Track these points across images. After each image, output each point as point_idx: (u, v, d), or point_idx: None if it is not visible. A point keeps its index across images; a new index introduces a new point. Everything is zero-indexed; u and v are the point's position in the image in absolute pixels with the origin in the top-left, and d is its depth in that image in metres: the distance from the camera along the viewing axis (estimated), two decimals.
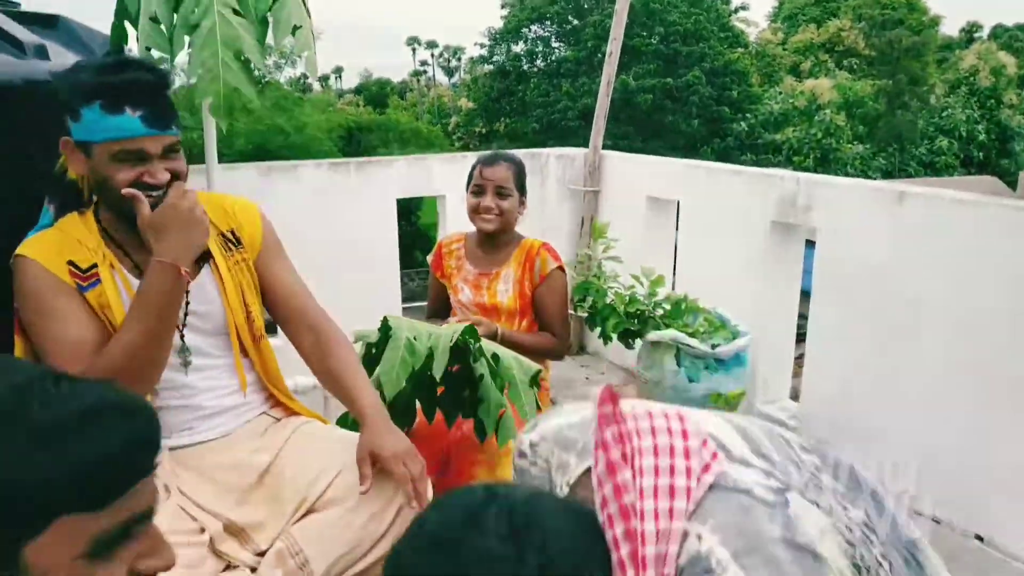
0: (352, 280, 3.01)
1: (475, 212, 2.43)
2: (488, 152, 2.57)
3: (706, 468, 0.86)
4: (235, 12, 1.93)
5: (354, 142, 22.74)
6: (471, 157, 3.33)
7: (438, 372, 1.91)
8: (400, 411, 2.05)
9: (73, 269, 1.45)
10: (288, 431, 1.69)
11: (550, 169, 3.47)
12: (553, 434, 1.11)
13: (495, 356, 2.02)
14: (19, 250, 1.48)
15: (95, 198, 1.54)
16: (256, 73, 2.04)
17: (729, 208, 2.77)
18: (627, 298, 2.51)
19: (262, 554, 1.56)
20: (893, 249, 2.22)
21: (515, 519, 0.73)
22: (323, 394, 2.57)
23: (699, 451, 0.87)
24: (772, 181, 2.58)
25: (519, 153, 3.39)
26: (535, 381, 2.05)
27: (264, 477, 1.60)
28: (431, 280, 2.66)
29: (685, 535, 0.82)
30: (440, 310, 2.63)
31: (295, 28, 1.98)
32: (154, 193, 1.41)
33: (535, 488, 0.81)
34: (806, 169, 28.90)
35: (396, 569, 0.76)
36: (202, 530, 1.50)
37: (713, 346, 2.34)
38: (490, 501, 0.75)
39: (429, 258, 2.66)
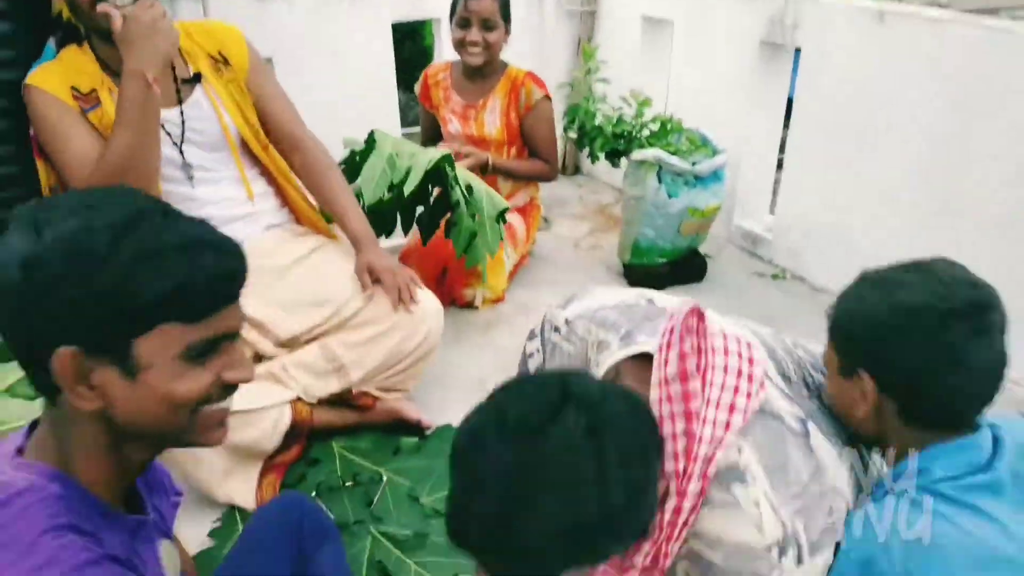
0: (350, 105, 3.09)
1: (461, 45, 2.49)
2: None
3: (758, 393, 1.00)
4: None
5: None
6: None
7: (408, 188, 2.09)
8: (379, 221, 2.24)
9: (76, 92, 1.59)
10: (311, 245, 1.90)
11: None
12: (591, 314, 1.24)
13: (469, 187, 2.18)
14: (27, 80, 1.61)
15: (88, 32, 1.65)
16: None
17: (721, 28, 2.78)
18: (614, 119, 2.62)
19: (281, 344, 1.81)
20: (869, 68, 2.29)
21: (592, 415, 0.80)
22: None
23: (759, 378, 1.01)
24: (757, 2, 2.59)
25: None
26: (501, 217, 2.22)
27: (283, 278, 1.82)
28: (420, 110, 2.75)
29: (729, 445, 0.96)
30: (434, 138, 2.75)
31: None
32: (120, 2, 1.52)
33: (602, 383, 0.88)
34: None
35: (475, 450, 0.82)
36: None
37: (692, 163, 2.46)
38: (568, 397, 0.81)
39: (416, 88, 2.74)
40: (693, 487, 0.96)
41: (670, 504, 0.97)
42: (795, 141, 2.62)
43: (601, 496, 0.79)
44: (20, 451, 0.80)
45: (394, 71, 3.31)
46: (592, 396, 0.82)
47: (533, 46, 3.41)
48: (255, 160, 1.86)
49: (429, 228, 2.33)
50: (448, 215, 2.24)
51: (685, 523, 0.97)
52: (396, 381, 1.89)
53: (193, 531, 1.62)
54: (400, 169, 2.11)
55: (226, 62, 1.79)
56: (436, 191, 2.26)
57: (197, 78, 1.74)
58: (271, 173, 1.88)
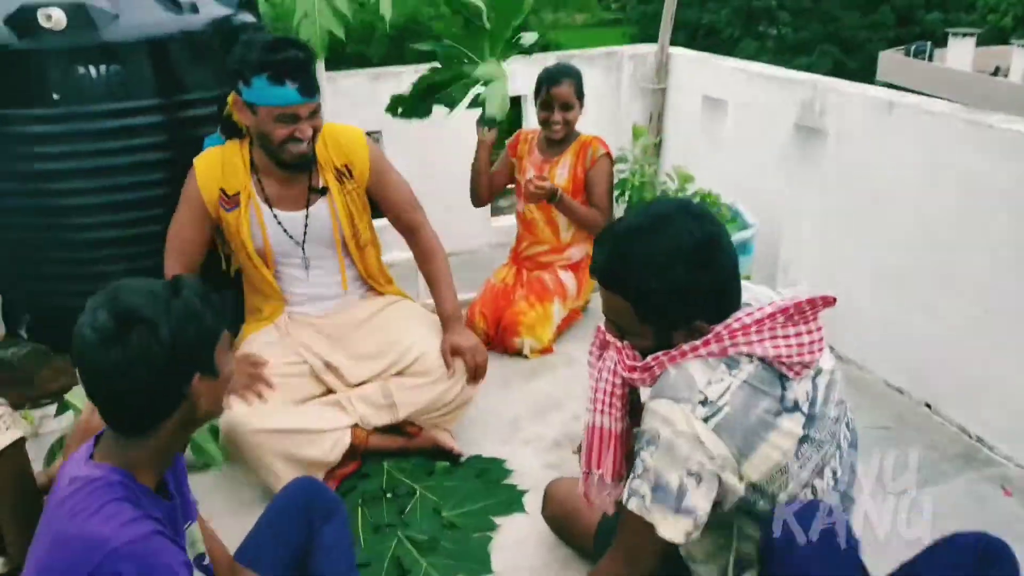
0: (451, 175, 3.59)
1: (545, 124, 2.94)
2: (551, 68, 2.99)
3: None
4: None
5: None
6: (550, 57, 3.75)
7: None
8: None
9: (223, 195, 2.09)
10: (381, 304, 2.36)
11: (624, 68, 3.80)
12: None
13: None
14: (196, 158, 2.11)
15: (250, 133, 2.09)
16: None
17: (763, 110, 3.05)
18: (656, 193, 2.94)
19: (348, 385, 2.27)
20: (879, 153, 2.50)
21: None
22: (415, 270, 3.26)
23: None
24: (794, 86, 2.85)
25: (595, 53, 3.77)
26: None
27: (357, 333, 2.29)
28: (502, 156, 3.18)
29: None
30: (492, 183, 3.14)
31: None
32: (301, 146, 1.97)
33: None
34: (1003, 28, 25.39)
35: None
36: (304, 361, 2.23)
37: None
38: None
39: (508, 141, 3.19)
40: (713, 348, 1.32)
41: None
42: (826, 217, 2.82)
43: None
44: (91, 456, 1.19)
45: None
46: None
47: (609, 118, 3.80)
48: (349, 258, 2.29)
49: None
50: None
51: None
52: (438, 421, 2.30)
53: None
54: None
55: (350, 174, 2.19)
56: None
57: (323, 191, 2.17)
58: (357, 267, 2.31)
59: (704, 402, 1.29)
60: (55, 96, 2.13)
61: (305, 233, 2.18)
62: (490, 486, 2.23)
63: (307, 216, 2.15)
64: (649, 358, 1.38)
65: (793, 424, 1.31)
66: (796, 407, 1.32)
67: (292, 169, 2.06)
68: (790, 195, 2.95)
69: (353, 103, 3.46)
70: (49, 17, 2.00)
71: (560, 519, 1.95)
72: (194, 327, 1.14)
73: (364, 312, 2.31)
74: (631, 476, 1.35)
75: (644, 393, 1.44)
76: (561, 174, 2.98)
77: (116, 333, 1.09)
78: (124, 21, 2.15)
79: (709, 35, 23.26)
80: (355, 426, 2.22)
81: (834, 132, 2.69)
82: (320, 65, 2.67)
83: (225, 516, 2.13)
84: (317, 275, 2.25)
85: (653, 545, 1.32)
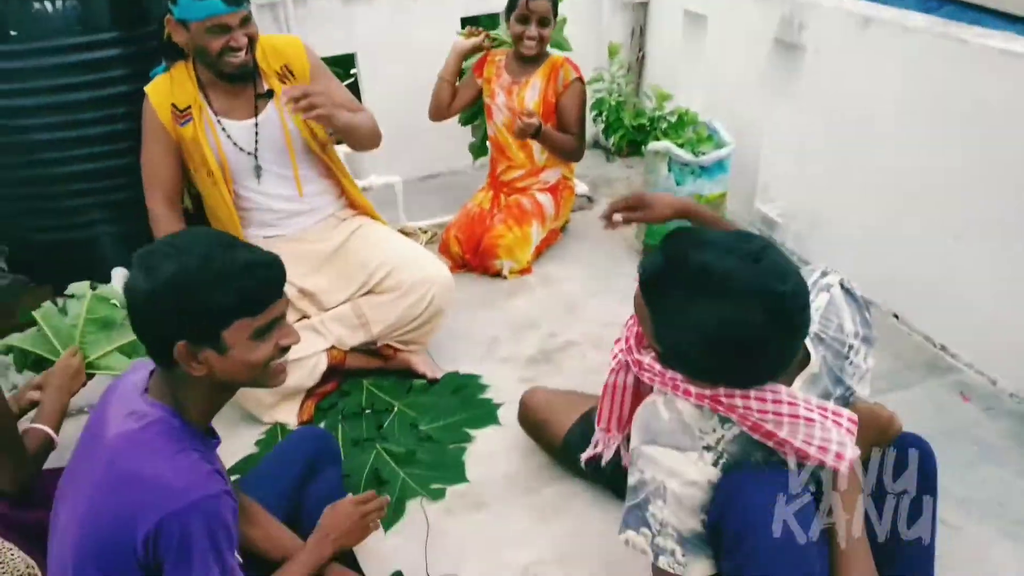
0: (425, 93, 3.55)
1: (519, 38, 2.89)
2: None
3: None
4: None
5: None
6: None
7: None
8: None
9: (174, 109, 2.11)
10: (352, 227, 2.38)
11: None
12: None
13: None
14: (147, 87, 2.12)
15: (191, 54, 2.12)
16: None
17: (743, 25, 3.00)
18: (634, 113, 2.92)
19: (324, 309, 2.33)
20: (857, 69, 2.47)
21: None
22: (395, 191, 3.27)
23: None
24: (773, 1, 2.79)
25: None
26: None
27: (330, 259, 2.32)
28: (467, 78, 3.13)
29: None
30: (460, 93, 3.10)
31: None
32: (239, 55, 1.99)
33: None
34: None
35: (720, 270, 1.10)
36: None
37: (698, 154, 2.75)
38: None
39: (472, 61, 3.13)
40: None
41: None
42: (803, 134, 2.82)
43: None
44: (146, 390, 1.24)
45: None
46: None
47: (591, 35, 3.72)
48: (316, 159, 2.30)
49: None
50: None
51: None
52: (412, 336, 2.35)
53: (242, 441, 2.19)
54: None
55: (291, 74, 2.21)
56: None
57: (270, 94, 2.19)
58: (329, 168, 2.34)
59: (708, 448, 1.26)
60: (12, 32, 2.09)
61: (257, 140, 2.19)
62: (466, 401, 2.31)
63: (256, 124, 2.17)
64: (655, 369, 1.33)
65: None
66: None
67: (235, 80, 2.09)
68: (769, 112, 2.94)
69: (323, 24, 3.39)
70: None
71: (533, 425, 2.04)
72: (181, 297, 1.15)
73: (336, 239, 2.34)
74: (650, 535, 1.29)
75: None
76: (531, 96, 2.95)
77: (132, 271, 1.17)
78: None
79: None
80: (331, 348, 2.29)
81: (812, 48, 2.66)
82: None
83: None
84: (270, 185, 2.25)
85: None
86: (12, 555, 1.48)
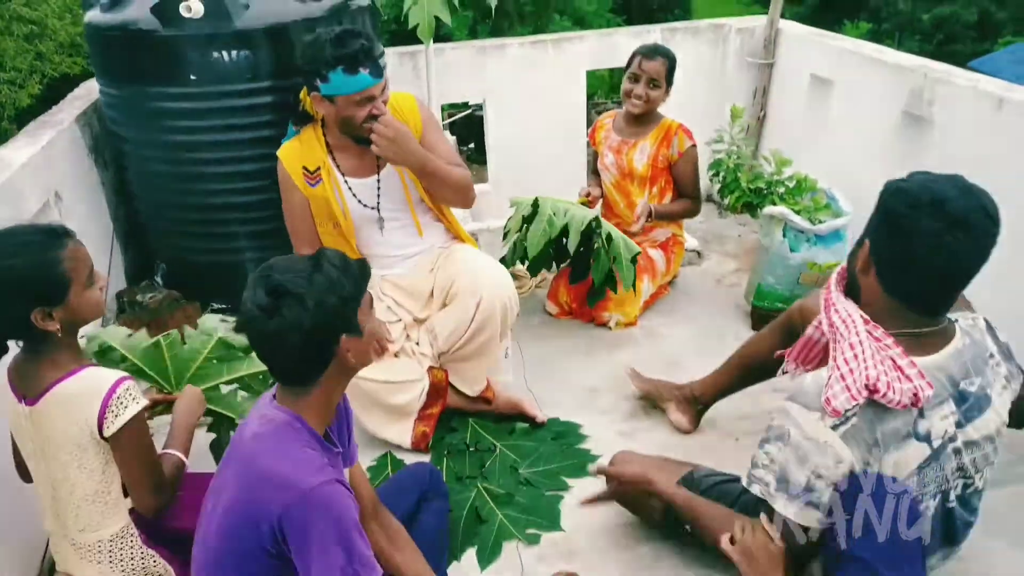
0: (548, 140, 3.71)
1: (627, 95, 3.00)
2: (650, 44, 3.04)
3: None
4: None
5: None
6: (655, 31, 3.76)
7: (571, 246, 2.63)
8: (537, 261, 2.84)
9: (305, 171, 2.32)
10: (442, 251, 2.52)
11: (731, 40, 3.75)
12: None
13: (609, 236, 2.69)
14: (279, 152, 2.34)
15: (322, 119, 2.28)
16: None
17: (870, 94, 2.98)
18: (751, 176, 2.96)
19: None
20: (987, 148, 2.42)
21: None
22: (501, 236, 3.41)
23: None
24: (904, 72, 2.77)
25: (702, 24, 3.75)
26: (635, 260, 2.70)
27: (433, 289, 2.48)
28: (591, 150, 3.30)
29: None
30: (596, 173, 3.28)
31: None
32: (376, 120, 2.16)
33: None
34: None
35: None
36: (399, 319, 2.46)
37: (815, 222, 2.75)
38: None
39: (588, 131, 3.28)
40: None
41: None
42: None
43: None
44: (274, 397, 1.42)
45: (584, 112, 3.88)
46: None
47: (713, 92, 3.78)
48: (427, 209, 2.47)
49: (578, 270, 2.88)
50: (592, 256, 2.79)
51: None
52: (475, 348, 2.37)
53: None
54: (556, 227, 2.68)
55: None
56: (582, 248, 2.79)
57: None
58: (439, 214, 2.52)
59: (835, 410, 1.41)
60: (192, 76, 2.38)
61: (379, 195, 2.37)
62: (565, 449, 2.40)
63: (379, 180, 2.35)
64: (823, 323, 1.63)
65: (915, 454, 1.44)
66: (927, 439, 1.45)
67: (365, 141, 2.22)
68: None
69: (458, 73, 3.60)
70: (189, 8, 2.23)
71: (626, 489, 2.08)
72: (335, 295, 1.32)
73: (432, 264, 2.48)
74: (753, 464, 1.53)
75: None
76: (639, 159, 3.04)
77: (271, 306, 1.29)
78: (254, 10, 2.37)
79: None
80: (431, 368, 2.42)
81: (941, 123, 2.63)
82: (429, 43, 2.82)
83: None
84: (392, 234, 2.43)
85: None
86: (155, 562, 1.68)
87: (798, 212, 2.78)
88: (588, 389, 2.68)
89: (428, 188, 2.36)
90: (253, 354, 1.93)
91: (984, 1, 21.92)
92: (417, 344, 2.44)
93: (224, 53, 2.37)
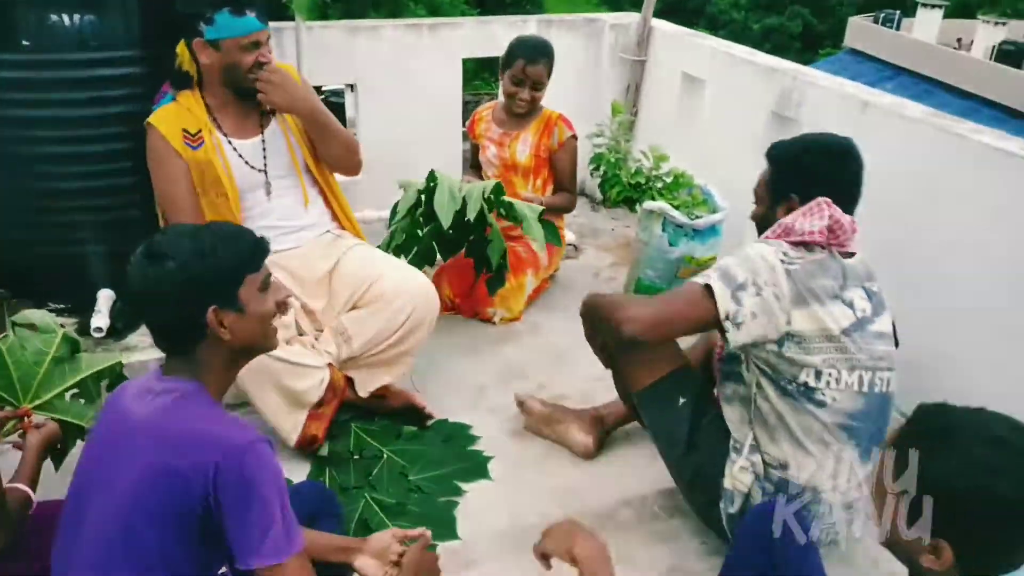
0: (422, 127, 3.57)
1: (511, 97, 2.93)
2: (528, 41, 2.96)
3: None
4: None
5: None
6: (531, 21, 3.71)
7: (472, 213, 2.53)
8: (421, 253, 2.72)
9: (186, 134, 2.12)
10: (346, 245, 2.40)
11: (605, 36, 3.78)
12: None
13: (509, 204, 2.62)
14: (149, 119, 2.13)
15: (199, 80, 2.15)
16: None
17: (741, 93, 3.09)
18: (631, 170, 2.98)
19: (319, 329, 2.32)
20: None
21: None
22: (385, 225, 3.26)
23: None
24: (774, 74, 2.89)
25: (577, 19, 3.74)
26: (540, 218, 2.65)
27: (328, 279, 2.34)
28: (470, 142, 3.21)
29: None
30: (476, 166, 3.20)
31: None
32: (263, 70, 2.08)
33: None
34: (968, 3, 25.49)
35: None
36: (290, 295, 2.26)
37: (693, 217, 2.81)
38: None
39: (466, 123, 3.19)
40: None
41: None
42: None
43: None
44: (161, 374, 1.33)
45: (461, 101, 3.78)
46: None
47: (587, 86, 3.80)
48: (313, 179, 2.37)
49: (476, 254, 2.78)
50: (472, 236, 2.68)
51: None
52: (392, 354, 2.30)
53: None
54: (457, 199, 2.55)
55: None
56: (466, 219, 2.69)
57: (273, 111, 2.25)
58: (323, 189, 2.39)
59: (785, 254, 1.68)
60: (24, 42, 2.05)
61: (265, 157, 2.25)
62: (456, 451, 2.30)
63: (263, 140, 2.24)
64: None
65: (843, 314, 1.67)
66: (851, 306, 1.68)
67: (247, 96, 2.15)
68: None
69: (328, 54, 3.39)
70: None
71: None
72: (204, 262, 1.28)
73: (333, 256, 2.36)
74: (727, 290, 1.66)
75: None
76: (522, 150, 2.99)
77: (142, 265, 1.29)
78: None
79: None
80: (331, 365, 2.26)
81: (808, 124, 2.75)
82: (299, 21, 2.61)
83: None
84: (279, 200, 2.30)
85: (693, 312, 1.69)
86: None
87: (677, 207, 2.83)
88: (476, 387, 2.59)
89: (317, 141, 2.28)
90: (84, 353, 1.86)
91: (807, 15, 23.96)
92: (315, 340, 2.28)
93: (64, 17, 2.06)
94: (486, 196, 2.58)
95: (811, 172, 1.79)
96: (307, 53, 3.25)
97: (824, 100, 2.69)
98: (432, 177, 2.60)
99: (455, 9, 19.73)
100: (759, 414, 1.76)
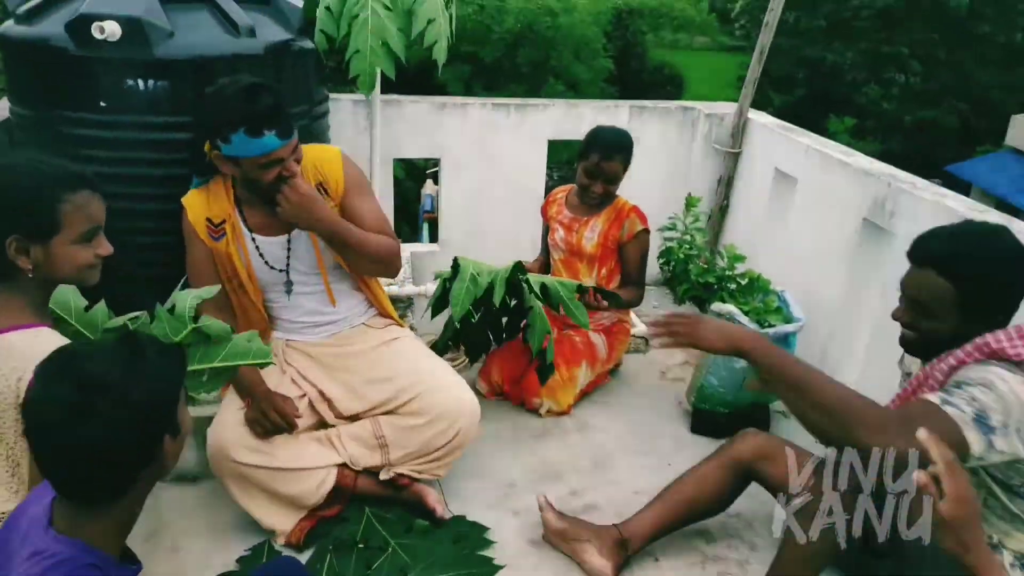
0: (500, 207, 3.55)
1: (584, 189, 2.84)
2: (606, 134, 2.86)
3: None
4: (385, 7, 2.46)
5: (621, 26, 22.46)
6: (623, 107, 3.64)
7: (497, 298, 2.43)
8: (475, 342, 2.63)
9: (209, 223, 2.11)
10: (387, 336, 2.32)
11: (699, 125, 3.64)
12: None
13: (543, 286, 2.50)
14: (184, 199, 2.13)
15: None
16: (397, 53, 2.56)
17: (833, 196, 2.85)
18: (700, 268, 2.79)
19: (341, 417, 2.24)
20: None
21: None
22: (426, 303, 3.21)
23: None
24: (868, 178, 2.64)
25: (672, 106, 3.63)
26: (580, 290, 2.52)
27: (353, 363, 2.25)
28: (543, 225, 3.13)
29: None
30: (546, 249, 3.11)
31: (429, 21, 2.47)
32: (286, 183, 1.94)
33: None
34: None
35: None
36: (304, 395, 2.22)
37: (765, 325, 2.57)
38: None
39: (541, 205, 3.12)
40: None
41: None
42: (883, 320, 2.61)
43: None
44: (50, 522, 1.12)
45: (544, 181, 3.73)
46: None
47: (679, 178, 3.65)
48: (346, 273, 2.25)
49: (510, 333, 2.68)
50: (525, 320, 2.55)
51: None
52: (429, 467, 2.24)
53: (229, 552, 2.09)
54: (481, 285, 2.48)
55: (325, 192, 2.15)
56: (514, 302, 2.60)
57: None
58: (360, 282, 2.31)
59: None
60: (102, 103, 2.17)
61: (288, 257, 2.16)
62: (466, 555, 2.15)
63: (289, 240, 2.13)
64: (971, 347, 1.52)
65: None
66: None
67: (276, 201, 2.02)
68: (847, 293, 2.75)
69: (414, 130, 3.45)
70: (102, 29, 2.03)
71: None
72: (162, 387, 1.10)
73: (363, 344, 2.28)
74: (948, 395, 1.43)
75: None
76: (590, 237, 2.87)
77: (82, 405, 1.02)
78: (179, 39, 2.18)
79: (832, 75, 22.36)
80: (343, 466, 2.19)
81: (904, 237, 2.48)
82: (376, 92, 2.66)
83: (202, 536, 2.15)
84: (300, 299, 2.22)
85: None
86: None
87: (747, 313, 2.60)
88: (505, 484, 2.44)
89: (342, 257, 2.16)
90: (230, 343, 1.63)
91: (966, 109, 22.59)
92: (339, 438, 2.20)
93: (139, 81, 2.17)
94: (509, 276, 2.45)
95: (1013, 290, 1.55)
96: (392, 127, 3.31)
97: (920, 211, 2.41)
98: (456, 264, 2.52)
99: (593, 87, 20.08)
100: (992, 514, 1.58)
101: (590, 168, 2.78)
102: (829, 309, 2.76)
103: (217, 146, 1.92)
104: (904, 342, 1.67)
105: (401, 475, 2.24)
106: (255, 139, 1.87)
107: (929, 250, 1.59)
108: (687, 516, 2.07)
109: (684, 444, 2.68)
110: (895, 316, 1.66)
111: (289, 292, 2.20)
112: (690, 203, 2.93)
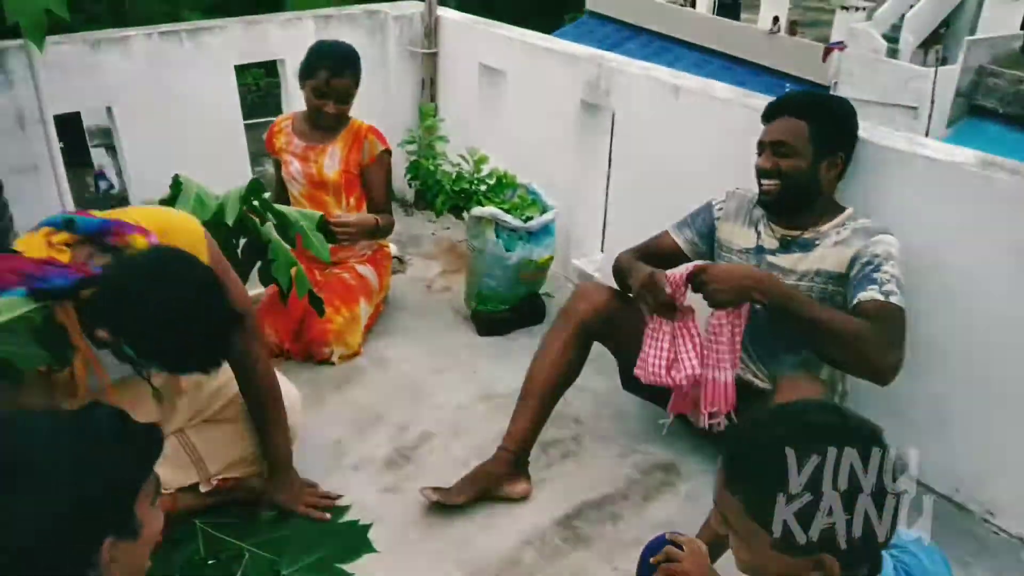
0: (198, 147, 3.12)
1: (315, 111, 2.61)
2: (331, 49, 2.63)
3: None
4: None
5: None
6: (307, 19, 3.37)
7: (230, 218, 2.17)
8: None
9: None
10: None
11: (389, 29, 3.53)
12: None
13: (280, 213, 2.31)
14: None
15: None
16: None
17: (547, 85, 3.02)
18: (453, 177, 2.81)
19: None
20: (669, 132, 2.59)
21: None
22: None
23: None
24: (578, 62, 2.84)
25: (357, 12, 3.46)
26: (320, 226, 2.37)
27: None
28: (271, 159, 2.85)
29: None
30: (282, 188, 2.85)
31: None
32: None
33: None
34: None
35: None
36: None
37: (525, 220, 2.71)
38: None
39: (264, 138, 2.83)
40: None
41: None
42: (615, 191, 2.91)
43: None
44: None
45: (239, 110, 3.36)
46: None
47: (377, 83, 3.54)
48: None
49: (270, 281, 2.39)
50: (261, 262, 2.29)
51: None
52: (256, 470, 2.04)
53: None
54: (209, 207, 2.17)
55: None
56: (243, 241, 2.31)
57: None
58: None
59: None
60: None
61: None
62: (328, 527, 2.03)
63: None
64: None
65: None
66: None
67: None
68: (580, 172, 2.99)
69: (68, 75, 2.84)
70: None
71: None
72: (104, 478, 0.89)
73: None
74: (876, 283, 1.75)
75: None
76: (330, 165, 2.70)
77: None
78: None
79: None
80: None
81: (622, 110, 2.75)
82: (41, 46, 2.09)
83: None
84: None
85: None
86: None
87: (508, 211, 2.71)
88: (330, 444, 2.32)
89: None
90: None
91: None
92: None
93: None
94: (243, 196, 2.22)
95: (854, 133, 1.97)
96: (43, 75, 2.69)
97: (633, 85, 2.68)
98: (176, 184, 2.21)
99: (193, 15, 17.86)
100: None
101: (319, 87, 2.57)
102: (565, 191, 2.99)
103: None
104: (766, 198, 1.96)
105: (225, 478, 2.01)
106: None
107: (782, 103, 1.98)
108: (553, 399, 2.14)
109: (480, 347, 2.77)
110: (760, 165, 1.95)
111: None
112: (426, 113, 2.88)
